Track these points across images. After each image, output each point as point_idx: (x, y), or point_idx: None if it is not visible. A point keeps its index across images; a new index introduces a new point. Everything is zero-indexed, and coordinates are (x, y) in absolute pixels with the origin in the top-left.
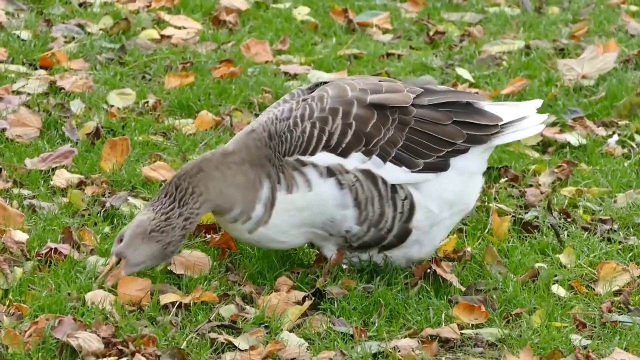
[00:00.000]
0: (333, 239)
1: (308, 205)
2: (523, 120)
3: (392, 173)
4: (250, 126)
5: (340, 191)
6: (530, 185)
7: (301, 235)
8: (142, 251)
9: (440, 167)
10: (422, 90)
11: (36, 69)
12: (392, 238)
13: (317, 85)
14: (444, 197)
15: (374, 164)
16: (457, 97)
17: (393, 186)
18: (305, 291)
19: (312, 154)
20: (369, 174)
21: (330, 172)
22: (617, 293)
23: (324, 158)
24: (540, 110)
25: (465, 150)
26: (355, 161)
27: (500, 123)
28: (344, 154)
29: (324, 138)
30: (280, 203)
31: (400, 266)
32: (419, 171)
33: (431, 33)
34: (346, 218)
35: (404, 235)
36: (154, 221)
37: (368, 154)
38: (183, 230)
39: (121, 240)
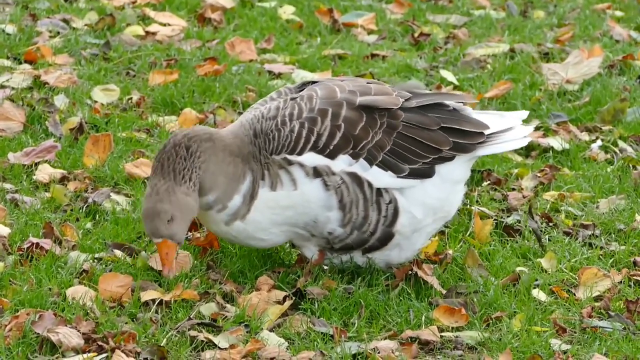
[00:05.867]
0: (315, 239)
1: (292, 204)
2: (509, 132)
3: (378, 177)
4: (238, 121)
5: (326, 192)
6: (513, 189)
7: (282, 234)
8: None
9: (426, 173)
10: (410, 94)
11: (20, 63)
12: (375, 241)
13: (305, 84)
14: (428, 204)
15: (361, 167)
16: (445, 98)
17: (378, 190)
18: (286, 291)
19: (300, 153)
20: (355, 177)
21: (316, 172)
22: (598, 298)
23: (311, 158)
24: (527, 111)
25: (450, 158)
26: (342, 163)
27: (486, 131)
28: (332, 155)
29: (312, 139)
30: (262, 199)
31: (379, 269)
32: (405, 177)
33: (416, 35)
34: (330, 219)
35: (386, 239)
36: (184, 190)
37: (355, 156)
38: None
39: (168, 221)
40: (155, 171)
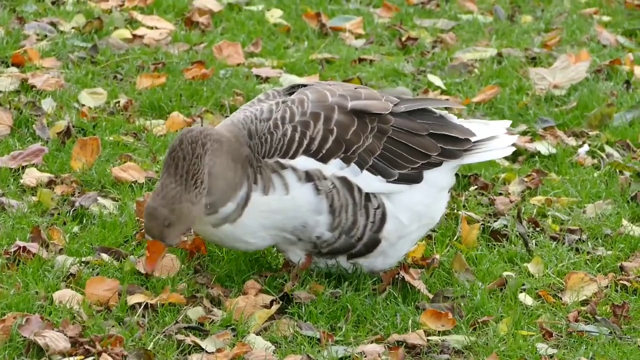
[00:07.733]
0: (301, 243)
1: (283, 208)
2: (493, 140)
3: (367, 182)
4: (229, 120)
5: (317, 197)
6: (500, 194)
7: (269, 238)
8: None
9: (414, 179)
10: (398, 100)
11: (8, 66)
12: (362, 246)
13: (293, 87)
14: (415, 210)
15: (352, 172)
16: (433, 103)
17: (367, 195)
18: (273, 295)
19: (292, 157)
20: (345, 182)
21: (308, 177)
22: (584, 303)
23: (304, 162)
24: (510, 120)
25: (438, 164)
26: (333, 168)
27: (472, 138)
28: (324, 159)
29: (305, 142)
30: (254, 204)
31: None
32: (394, 182)
33: (403, 39)
34: (319, 224)
35: (372, 245)
36: (191, 199)
37: (347, 161)
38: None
39: (165, 225)
40: (169, 169)
